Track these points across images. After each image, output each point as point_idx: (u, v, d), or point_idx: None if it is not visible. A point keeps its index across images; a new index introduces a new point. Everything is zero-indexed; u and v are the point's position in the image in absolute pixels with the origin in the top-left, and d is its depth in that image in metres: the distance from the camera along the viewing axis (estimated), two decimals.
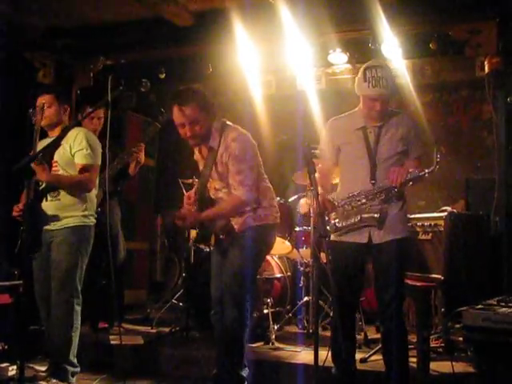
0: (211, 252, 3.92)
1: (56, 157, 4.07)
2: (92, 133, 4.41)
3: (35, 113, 4.07)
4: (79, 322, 4.08)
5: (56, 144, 3.99)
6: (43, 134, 4.20)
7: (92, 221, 4.20)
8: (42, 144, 4.13)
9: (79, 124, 4.27)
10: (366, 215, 3.62)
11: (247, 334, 3.68)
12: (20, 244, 3.99)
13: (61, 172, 4.10)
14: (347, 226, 3.65)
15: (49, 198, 4.07)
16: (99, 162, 4.18)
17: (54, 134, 4.16)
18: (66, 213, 4.07)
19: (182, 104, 3.53)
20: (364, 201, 3.64)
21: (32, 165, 3.72)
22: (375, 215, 3.59)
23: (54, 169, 4.08)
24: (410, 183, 3.58)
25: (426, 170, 3.54)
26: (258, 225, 3.69)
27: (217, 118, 3.69)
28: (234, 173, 3.58)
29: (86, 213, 4.15)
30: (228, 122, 3.72)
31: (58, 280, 4.02)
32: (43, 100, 4.11)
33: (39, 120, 4.03)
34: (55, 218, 4.06)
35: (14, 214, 4.06)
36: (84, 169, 4.08)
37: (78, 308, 4.07)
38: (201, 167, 3.84)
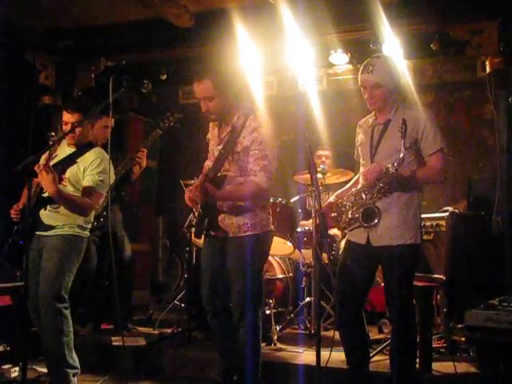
0: (204, 248, 3.81)
1: (68, 173, 3.98)
2: (105, 142, 4.38)
3: (55, 138, 4.06)
4: (71, 326, 3.99)
5: (71, 161, 3.99)
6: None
7: (86, 233, 4.13)
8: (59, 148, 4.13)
9: (91, 144, 4.17)
10: (350, 215, 3.61)
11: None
12: (10, 245, 4.01)
13: (70, 188, 3.99)
14: (343, 222, 3.65)
15: (48, 208, 3.99)
16: (104, 192, 4.08)
17: (70, 142, 4.13)
18: (61, 223, 4.01)
19: (198, 79, 3.59)
20: (354, 200, 3.62)
21: (40, 175, 3.68)
22: (356, 215, 3.57)
23: (63, 183, 3.97)
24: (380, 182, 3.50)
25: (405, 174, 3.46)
26: (264, 231, 3.66)
27: (245, 100, 3.72)
28: (259, 157, 3.51)
29: (82, 224, 4.08)
30: (256, 108, 3.73)
31: (44, 286, 3.94)
32: (72, 118, 4.02)
33: (57, 145, 4.01)
34: (50, 226, 4.00)
35: (13, 214, 4.04)
36: (89, 192, 3.97)
37: (67, 312, 3.97)
38: (211, 146, 3.80)
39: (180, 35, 5.92)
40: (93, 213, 4.19)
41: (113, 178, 4.16)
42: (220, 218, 3.63)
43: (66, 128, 4.06)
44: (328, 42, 5.96)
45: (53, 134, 4.13)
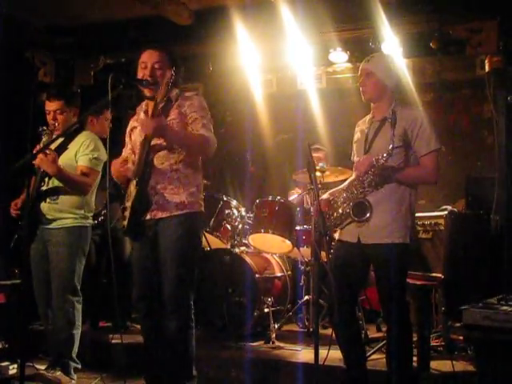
0: (134, 244, 3.63)
1: (60, 160, 4.03)
2: (105, 136, 4.45)
3: (47, 131, 4.06)
4: (80, 320, 4.14)
5: (63, 148, 4.08)
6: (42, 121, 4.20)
7: (90, 222, 4.22)
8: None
9: (80, 128, 4.25)
10: (341, 210, 3.59)
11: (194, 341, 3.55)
12: (16, 240, 4.05)
13: None
14: (335, 218, 3.63)
15: (48, 200, 4.07)
16: (100, 170, 4.17)
17: (57, 132, 4.13)
18: (63, 215, 4.08)
19: (157, 48, 3.60)
20: (345, 195, 3.61)
21: (38, 159, 3.74)
22: (347, 210, 3.54)
23: None
24: (371, 172, 3.47)
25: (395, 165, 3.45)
26: (199, 211, 3.57)
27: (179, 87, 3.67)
28: (197, 118, 3.49)
29: (83, 215, 4.16)
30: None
31: (58, 281, 4.04)
32: (54, 106, 4.10)
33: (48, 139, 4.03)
34: (52, 219, 4.07)
35: (12, 212, 4.08)
36: (85, 172, 4.08)
37: (79, 306, 4.12)
38: (137, 129, 3.63)
39: (179, 33, 5.91)
40: (92, 203, 4.26)
41: (106, 156, 4.11)
42: (155, 199, 3.47)
43: (49, 117, 4.11)
44: (327, 40, 5.96)
45: (44, 127, 4.14)
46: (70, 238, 4.07)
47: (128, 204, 3.50)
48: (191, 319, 3.54)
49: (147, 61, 3.58)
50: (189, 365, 3.53)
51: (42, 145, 4.03)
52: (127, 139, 3.78)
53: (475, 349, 3.58)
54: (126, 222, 3.50)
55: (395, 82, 3.70)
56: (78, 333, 4.10)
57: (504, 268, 4.67)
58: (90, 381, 4.33)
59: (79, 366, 4.15)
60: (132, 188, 3.50)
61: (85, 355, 4.38)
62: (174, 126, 3.49)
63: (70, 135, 4.12)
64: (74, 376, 4.10)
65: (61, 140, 4.12)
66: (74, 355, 4.10)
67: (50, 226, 4.08)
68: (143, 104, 3.73)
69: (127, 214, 3.48)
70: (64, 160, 4.06)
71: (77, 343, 4.11)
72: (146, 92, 3.58)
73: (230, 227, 5.40)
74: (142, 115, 3.67)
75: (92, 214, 4.27)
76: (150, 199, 3.46)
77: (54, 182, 4.05)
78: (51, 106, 4.11)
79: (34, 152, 3.85)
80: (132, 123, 3.77)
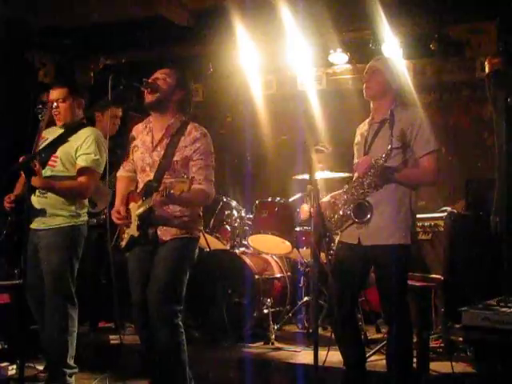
0: (131, 253, 3.65)
1: (59, 152, 3.90)
2: (112, 133, 4.37)
3: (44, 110, 3.96)
4: (75, 326, 3.99)
5: (62, 140, 3.87)
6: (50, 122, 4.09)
7: (81, 220, 4.03)
8: (49, 132, 4.03)
9: (84, 123, 4.08)
10: (342, 212, 3.59)
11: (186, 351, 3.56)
12: (5, 235, 3.98)
13: (60, 168, 3.93)
14: (336, 221, 3.63)
15: (37, 193, 3.88)
16: (101, 171, 3.99)
17: (59, 123, 4.04)
18: (52, 211, 3.91)
19: (169, 66, 3.65)
20: (346, 197, 3.60)
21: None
22: (348, 211, 3.54)
23: (53, 163, 3.92)
24: (371, 172, 3.48)
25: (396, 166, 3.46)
26: (195, 236, 3.64)
27: (185, 115, 3.64)
28: (202, 166, 3.49)
29: (75, 212, 3.98)
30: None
31: (50, 285, 3.89)
32: (56, 94, 3.96)
33: (46, 118, 3.94)
34: (42, 216, 3.90)
35: (6, 205, 3.93)
36: (84, 172, 3.90)
37: (73, 311, 3.96)
38: (140, 153, 3.62)
39: (179, 34, 5.92)
40: (85, 200, 4.10)
41: (105, 158, 4.01)
42: (156, 229, 3.54)
43: (52, 107, 3.97)
44: (327, 41, 5.97)
45: (40, 106, 4.03)
46: (61, 240, 3.90)
47: (128, 231, 3.57)
48: (180, 332, 3.53)
49: (157, 74, 3.60)
50: (181, 375, 3.56)
51: (42, 122, 3.92)
52: (130, 150, 3.74)
53: (474, 350, 3.58)
54: (123, 243, 3.60)
55: (398, 86, 3.71)
56: (72, 338, 3.95)
57: (503, 269, 4.68)
58: (90, 381, 4.33)
59: (76, 371, 4.04)
60: (133, 209, 3.54)
61: (84, 356, 4.37)
62: (178, 169, 3.49)
63: (72, 128, 3.94)
64: (72, 379, 4.01)
65: (60, 131, 3.97)
66: (69, 361, 3.95)
67: (38, 227, 3.92)
68: (150, 118, 3.68)
69: (126, 237, 3.57)
70: (63, 151, 3.90)
71: (72, 348, 3.96)
72: (147, 98, 3.55)
73: (230, 228, 5.40)
74: (147, 140, 3.62)
75: (86, 211, 4.09)
76: (151, 231, 3.53)
77: (46, 173, 3.88)
78: (54, 93, 3.95)
79: (30, 155, 3.69)
80: (136, 141, 3.68)
